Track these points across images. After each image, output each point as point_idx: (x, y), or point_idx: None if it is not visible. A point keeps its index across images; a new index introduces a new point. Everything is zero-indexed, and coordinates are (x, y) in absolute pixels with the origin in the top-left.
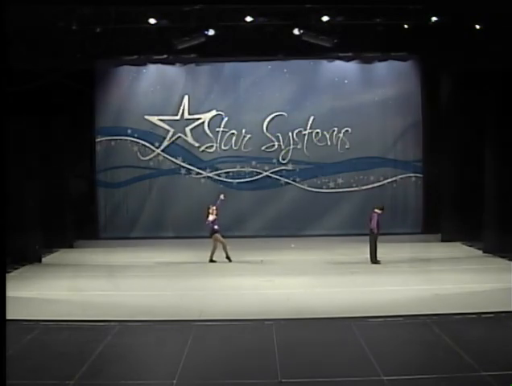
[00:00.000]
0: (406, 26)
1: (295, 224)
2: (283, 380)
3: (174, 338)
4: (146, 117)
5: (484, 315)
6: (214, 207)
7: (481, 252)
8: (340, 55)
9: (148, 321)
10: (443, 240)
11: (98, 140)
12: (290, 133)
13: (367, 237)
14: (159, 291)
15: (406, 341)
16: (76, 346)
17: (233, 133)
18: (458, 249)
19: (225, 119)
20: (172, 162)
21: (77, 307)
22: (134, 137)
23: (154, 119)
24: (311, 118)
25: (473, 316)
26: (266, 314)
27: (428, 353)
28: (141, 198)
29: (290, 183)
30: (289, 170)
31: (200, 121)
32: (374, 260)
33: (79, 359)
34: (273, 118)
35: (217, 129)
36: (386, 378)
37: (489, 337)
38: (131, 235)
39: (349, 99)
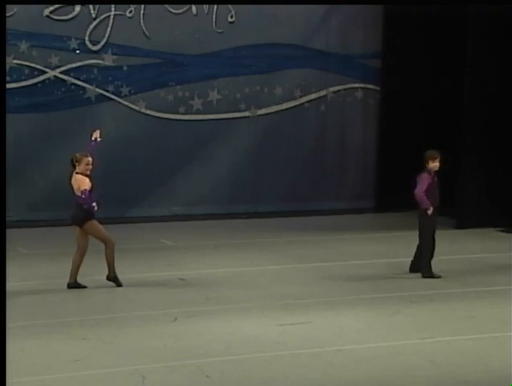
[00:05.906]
0: None
1: (114, 199)
2: None
3: None
4: None
5: None
6: (89, 159)
7: None
8: None
9: None
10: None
11: None
12: None
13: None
14: None
15: None
16: None
17: None
18: None
19: None
20: None
21: None
22: None
23: None
24: None
25: None
26: None
27: None
28: None
29: (108, 98)
30: (106, 68)
31: None
32: (426, 269)
33: None
34: None
35: None
36: None
37: None
38: None
39: None
